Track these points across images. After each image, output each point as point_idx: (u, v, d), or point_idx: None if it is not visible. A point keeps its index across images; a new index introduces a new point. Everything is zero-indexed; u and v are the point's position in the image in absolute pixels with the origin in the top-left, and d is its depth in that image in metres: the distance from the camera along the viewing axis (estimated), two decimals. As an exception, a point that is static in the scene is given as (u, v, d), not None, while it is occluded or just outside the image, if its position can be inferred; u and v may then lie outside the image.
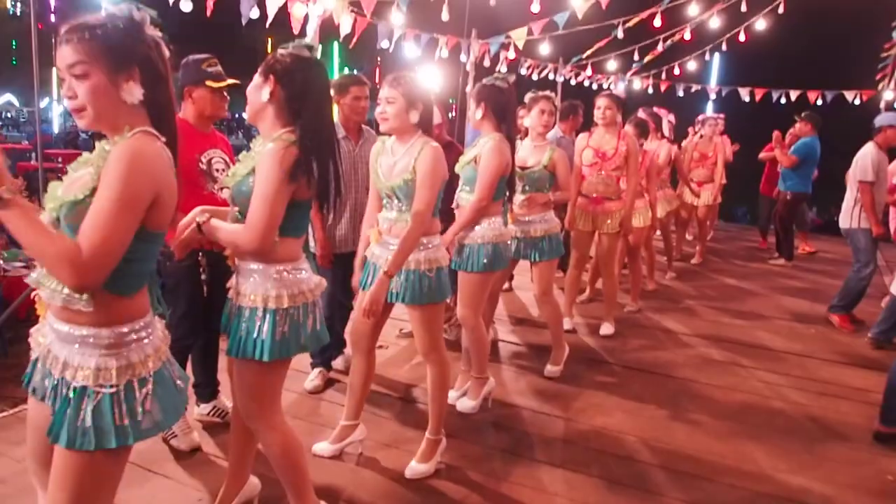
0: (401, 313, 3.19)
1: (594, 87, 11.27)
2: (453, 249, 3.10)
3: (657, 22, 8.23)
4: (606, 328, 4.70)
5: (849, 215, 5.05)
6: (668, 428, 3.36)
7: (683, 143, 7.27)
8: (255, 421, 2.09)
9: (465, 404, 3.36)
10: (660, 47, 9.69)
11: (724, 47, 9.93)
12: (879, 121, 5.08)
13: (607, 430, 3.29)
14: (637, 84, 11.62)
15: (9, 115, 26.27)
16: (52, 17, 22.45)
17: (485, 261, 3.10)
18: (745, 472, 2.97)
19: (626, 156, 4.41)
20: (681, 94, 11.50)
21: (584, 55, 10.26)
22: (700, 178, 6.97)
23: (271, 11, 4.76)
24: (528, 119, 3.76)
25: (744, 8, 8.14)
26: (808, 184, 7.25)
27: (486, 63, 8.24)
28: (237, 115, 24.00)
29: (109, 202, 1.37)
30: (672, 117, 6.06)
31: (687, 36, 9.38)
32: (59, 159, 14.36)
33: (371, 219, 2.78)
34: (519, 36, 8.06)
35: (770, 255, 7.90)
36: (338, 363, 3.77)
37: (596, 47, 9.83)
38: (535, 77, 9.99)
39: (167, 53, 1.56)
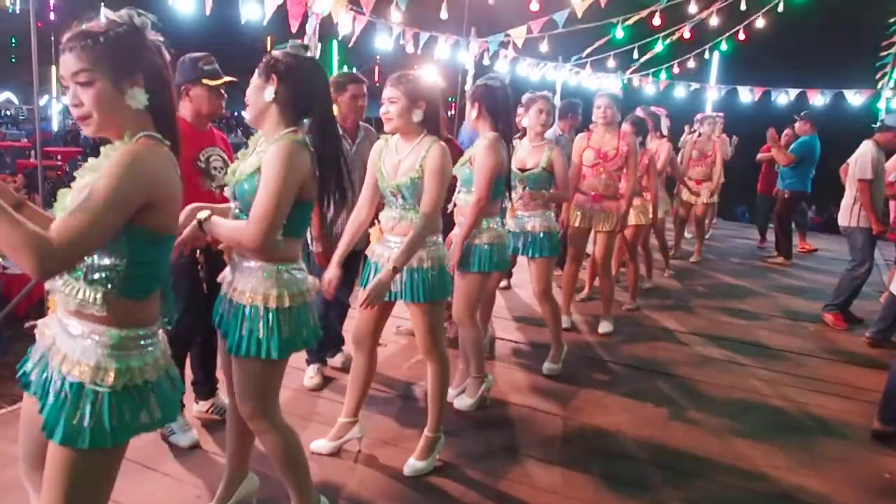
0: (399, 311, 3.19)
1: (593, 87, 11.28)
2: (457, 251, 3.09)
3: (656, 21, 8.23)
4: (605, 326, 4.70)
5: (848, 213, 5.05)
6: (666, 426, 3.36)
7: (679, 143, 7.28)
8: (257, 419, 2.09)
9: (464, 402, 3.36)
10: (659, 46, 9.69)
11: (723, 46, 9.94)
12: (891, 121, 5.07)
13: (605, 428, 3.29)
14: (636, 82, 11.62)
15: (8, 112, 26.24)
16: (52, 15, 22.41)
17: (483, 261, 3.10)
18: (742, 469, 2.98)
19: (626, 155, 4.41)
20: (680, 93, 11.51)
21: (584, 53, 10.26)
22: (699, 176, 6.98)
23: (269, 10, 4.76)
24: (527, 119, 3.76)
25: (743, 6, 8.14)
26: (807, 183, 7.25)
27: (486, 61, 8.25)
28: (236, 113, 23.99)
29: (92, 199, 1.37)
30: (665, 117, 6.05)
31: (686, 35, 9.39)
32: (59, 157, 14.38)
33: (360, 215, 2.76)
34: (518, 34, 8.06)
35: (769, 253, 7.91)
36: (336, 361, 3.77)
37: (595, 45, 9.83)
38: (533, 76, 9.99)
39: (168, 57, 1.57)
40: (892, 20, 8.96)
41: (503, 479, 2.77)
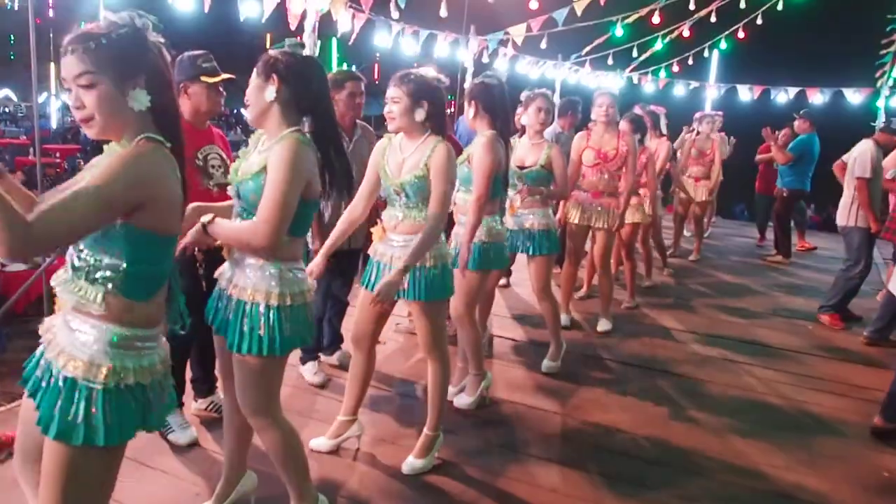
0: (399, 310, 3.19)
1: (592, 85, 11.27)
2: (465, 252, 3.07)
3: (656, 19, 8.23)
4: (603, 324, 4.71)
5: (846, 213, 5.05)
6: (665, 424, 3.37)
7: (675, 143, 7.27)
8: (257, 416, 2.09)
9: (463, 400, 3.36)
10: (659, 44, 9.69)
11: (722, 44, 9.93)
12: None
13: (604, 425, 3.29)
14: (635, 80, 11.61)
15: (7, 110, 26.16)
16: (51, 12, 22.39)
17: (482, 259, 3.10)
18: (741, 467, 2.98)
19: (625, 155, 4.41)
20: (680, 91, 11.50)
21: (584, 52, 10.25)
22: (697, 174, 6.98)
23: (268, 7, 4.75)
24: (526, 117, 3.76)
25: (742, 5, 8.14)
26: (806, 181, 7.25)
27: (485, 59, 8.24)
28: (235, 111, 23.93)
29: (77, 195, 1.36)
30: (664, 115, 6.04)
31: (686, 33, 9.38)
32: (58, 154, 14.34)
33: (354, 212, 2.74)
34: (517, 32, 8.05)
35: (768, 251, 7.91)
36: (334, 359, 3.77)
37: (595, 43, 9.82)
38: (533, 74, 9.98)
39: (169, 58, 1.57)
40: (891, 17, 8.95)
41: (502, 478, 2.77)
